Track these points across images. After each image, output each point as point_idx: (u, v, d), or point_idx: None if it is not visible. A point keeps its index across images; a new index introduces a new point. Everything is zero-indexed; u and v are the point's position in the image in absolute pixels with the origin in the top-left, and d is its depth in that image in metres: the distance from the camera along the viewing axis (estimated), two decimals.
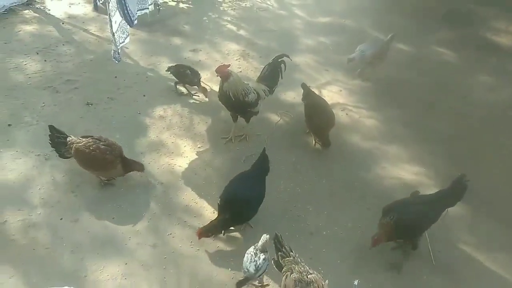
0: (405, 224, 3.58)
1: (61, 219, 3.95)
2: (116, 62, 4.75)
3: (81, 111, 5.22)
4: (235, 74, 4.65)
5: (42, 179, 4.32)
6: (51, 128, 4.25)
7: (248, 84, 4.78)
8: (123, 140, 4.81)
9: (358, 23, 7.55)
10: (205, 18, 7.61)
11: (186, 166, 4.61)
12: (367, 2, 8.27)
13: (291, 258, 3.19)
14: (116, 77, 5.83)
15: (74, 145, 4.11)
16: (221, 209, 3.75)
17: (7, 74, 5.68)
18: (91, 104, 5.34)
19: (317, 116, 4.80)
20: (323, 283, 3.06)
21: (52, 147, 4.24)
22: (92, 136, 4.21)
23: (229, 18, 7.67)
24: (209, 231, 3.70)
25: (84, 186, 4.28)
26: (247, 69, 6.24)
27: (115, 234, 3.86)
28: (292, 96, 5.72)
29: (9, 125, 4.92)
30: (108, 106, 5.35)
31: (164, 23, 7.20)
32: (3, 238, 3.76)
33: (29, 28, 6.68)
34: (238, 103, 4.65)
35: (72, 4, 7.55)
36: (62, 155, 4.23)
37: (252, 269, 3.25)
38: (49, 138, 4.25)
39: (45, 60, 5.99)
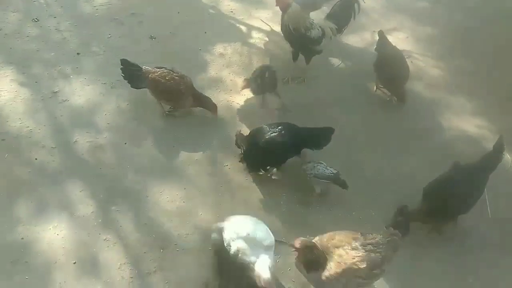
0: (437, 211, 3.40)
1: (125, 143, 4.17)
2: None
3: (145, 44, 5.34)
4: (295, 5, 4.46)
5: (108, 105, 4.54)
6: (124, 61, 4.30)
7: (312, 19, 4.60)
8: (185, 73, 4.91)
9: None
10: None
11: (243, 103, 4.66)
12: None
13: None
14: (179, 12, 5.85)
15: (150, 74, 4.22)
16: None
17: (76, 4, 5.85)
18: (155, 38, 5.44)
19: (395, 67, 4.51)
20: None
21: (125, 79, 4.33)
22: (165, 68, 4.32)
23: None
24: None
25: (147, 115, 4.46)
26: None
27: (175, 161, 4.05)
28: (355, 40, 5.53)
29: (78, 53, 5.13)
30: (170, 40, 5.43)
31: None
32: (74, 155, 4.05)
33: None
34: (299, 38, 4.49)
35: None
36: (135, 86, 4.35)
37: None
38: (121, 72, 4.31)
39: None
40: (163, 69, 4.29)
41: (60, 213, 3.61)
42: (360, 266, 2.69)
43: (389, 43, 4.79)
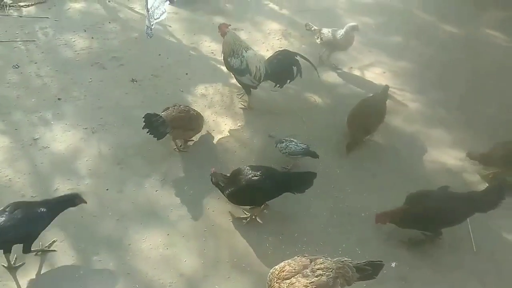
0: (414, 216, 3.56)
1: (107, 189, 4.13)
2: (149, 37, 4.84)
3: (126, 87, 5.38)
4: (233, 34, 4.78)
5: (89, 151, 4.52)
6: (147, 116, 4.16)
7: (245, 51, 4.74)
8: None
9: (403, 3, 7.30)
10: None
11: (226, 143, 4.68)
12: None
13: None
14: (160, 54, 5.94)
15: (169, 117, 4.28)
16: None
17: (57, 50, 5.91)
18: (136, 81, 5.48)
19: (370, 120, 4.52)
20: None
21: (151, 133, 4.22)
22: (168, 107, 4.46)
23: None
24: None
25: (129, 159, 4.44)
26: (288, 48, 6.17)
27: (157, 206, 4.00)
28: (334, 77, 5.66)
29: (59, 99, 5.13)
30: (152, 83, 5.48)
31: (207, 2, 7.22)
32: None
33: (77, 6, 6.88)
34: (225, 62, 4.84)
35: None
36: (161, 135, 4.25)
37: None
38: (146, 127, 4.18)
39: (92, 37, 6.17)
40: (169, 108, 4.44)
41: (41, 264, 3.51)
42: None
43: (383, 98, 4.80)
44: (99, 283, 3.41)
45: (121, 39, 6.25)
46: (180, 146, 4.58)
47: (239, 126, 4.90)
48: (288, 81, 4.88)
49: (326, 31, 5.60)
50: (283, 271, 2.88)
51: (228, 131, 4.81)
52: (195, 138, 4.68)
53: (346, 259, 2.99)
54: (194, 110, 4.57)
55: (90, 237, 3.72)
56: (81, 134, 4.71)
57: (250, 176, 3.69)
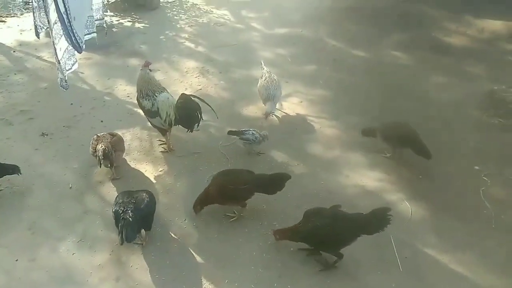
0: (305, 233, 3.67)
1: (17, 260, 3.77)
2: (64, 90, 4.61)
3: (36, 143, 5.06)
4: (148, 73, 4.69)
5: None
6: (103, 151, 4.34)
7: (158, 93, 4.68)
8: (81, 169, 4.70)
9: (315, 32, 7.64)
10: (162, 36, 7.56)
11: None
12: (323, 11, 8.40)
13: None
14: (72, 104, 5.69)
15: (111, 143, 4.44)
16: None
17: None
18: (47, 135, 5.18)
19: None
20: None
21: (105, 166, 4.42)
22: (97, 142, 4.51)
23: (186, 35, 7.65)
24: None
25: (41, 221, 4.11)
26: (207, 86, 6.20)
27: (75, 271, 3.70)
28: (254, 110, 5.71)
29: None
30: (64, 135, 5.21)
31: (120, 44, 7.11)
32: None
33: None
34: (137, 102, 4.80)
35: (23, 30, 7.36)
36: (111, 165, 4.49)
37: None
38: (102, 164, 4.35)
39: None
40: (97, 136, 4.57)
41: None
42: None
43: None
44: None
45: (29, 91, 5.93)
46: (112, 176, 4.60)
47: (160, 171, 4.75)
48: (196, 125, 4.79)
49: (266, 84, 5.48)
50: None
51: (149, 179, 4.63)
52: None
53: None
54: (112, 133, 4.71)
55: None
56: None
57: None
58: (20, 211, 4.21)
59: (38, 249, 3.87)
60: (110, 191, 4.43)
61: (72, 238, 3.96)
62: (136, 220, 3.63)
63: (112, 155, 4.39)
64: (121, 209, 3.67)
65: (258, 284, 3.64)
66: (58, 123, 5.36)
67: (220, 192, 4.03)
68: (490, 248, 3.95)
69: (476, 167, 4.83)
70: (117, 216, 3.68)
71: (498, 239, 4.03)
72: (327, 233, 3.60)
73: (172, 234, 4.03)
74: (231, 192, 4.01)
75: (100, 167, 4.40)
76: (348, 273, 3.74)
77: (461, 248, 3.98)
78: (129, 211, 3.63)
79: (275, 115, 5.50)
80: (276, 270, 3.76)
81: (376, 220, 3.61)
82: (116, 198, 3.90)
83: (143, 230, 3.87)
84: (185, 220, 4.18)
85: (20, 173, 4.34)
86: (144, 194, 3.87)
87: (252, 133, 4.85)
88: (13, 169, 4.34)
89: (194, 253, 3.87)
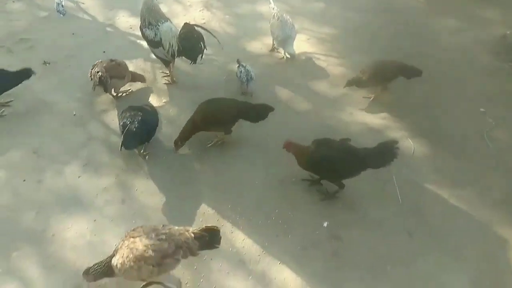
0: (313, 160, 3.71)
1: (24, 180, 3.83)
2: (61, 15, 4.49)
3: (38, 71, 4.95)
4: (152, 1, 4.54)
5: (1, 141, 4.15)
6: (98, 76, 4.38)
7: (161, 23, 4.57)
8: (84, 98, 4.68)
9: None
10: None
11: None
12: None
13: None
14: (73, 34, 5.56)
15: (105, 68, 4.41)
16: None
17: None
18: (49, 63, 5.11)
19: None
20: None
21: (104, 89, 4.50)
22: (96, 64, 4.55)
23: None
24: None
25: (46, 146, 4.14)
26: (211, 20, 6.03)
27: (81, 193, 3.78)
28: (259, 46, 5.60)
29: None
30: (66, 64, 5.13)
31: None
32: None
33: None
34: (140, 31, 4.70)
35: None
36: (107, 89, 4.50)
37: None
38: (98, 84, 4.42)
39: None
40: (100, 61, 4.58)
41: None
42: (149, 253, 2.76)
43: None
44: (22, 279, 3.18)
45: (28, 20, 5.78)
46: (117, 94, 4.71)
47: (164, 102, 4.72)
48: (200, 56, 4.72)
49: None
50: (134, 230, 2.92)
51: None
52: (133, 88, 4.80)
53: (189, 228, 2.98)
54: (120, 60, 4.67)
55: (8, 233, 3.45)
56: None
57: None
58: (25, 136, 4.23)
59: (44, 171, 3.92)
60: (114, 119, 4.42)
61: (77, 163, 4.01)
62: (140, 131, 3.80)
63: (106, 80, 4.36)
64: (129, 121, 3.82)
65: (260, 210, 3.72)
66: (59, 53, 5.26)
67: (206, 118, 4.05)
68: (490, 186, 4.00)
69: (482, 109, 4.80)
70: (124, 128, 3.78)
71: (498, 178, 4.07)
72: (335, 163, 3.62)
73: (175, 163, 4.07)
74: (216, 117, 4.06)
75: (94, 90, 4.45)
76: (348, 204, 3.82)
77: (461, 185, 4.03)
78: (136, 122, 3.82)
79: (286, 55, 5.38)
80: (278, 198, 3.83)
81: (383, 153, 3.63)
82: (122, 112, 4.00)
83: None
84: (189, 149, 4.20)
85: (35, 73, 4.46)
86: (149, 108, 4.12)
87: (243, 70, 4.74)
88: (27, 73, 4.41)
89: (197, 180, 3.93)
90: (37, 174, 3.90)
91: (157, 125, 4.13)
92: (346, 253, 3.48)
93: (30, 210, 3.61)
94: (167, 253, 2.80)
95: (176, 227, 2.96)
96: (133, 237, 2.87)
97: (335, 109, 4.77)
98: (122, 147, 3.79)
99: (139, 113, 3.94)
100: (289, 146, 3.84)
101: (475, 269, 3.40)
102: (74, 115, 4.47)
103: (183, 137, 4.09)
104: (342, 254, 3.47)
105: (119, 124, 3.97)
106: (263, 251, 3.47)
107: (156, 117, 4.17)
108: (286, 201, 3.82)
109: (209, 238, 2.95)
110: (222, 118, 4.11)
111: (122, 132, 3.84)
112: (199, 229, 2.97)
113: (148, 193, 3.80)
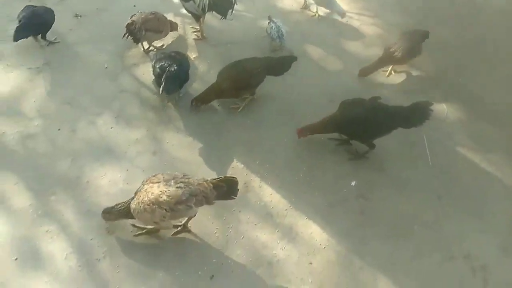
0: (343, 122, 3.64)
1: (59, 129, 3.94)
2: None
3: (69, 24, 5.02)
4: None
5: (36, 91, 4.25)
6: (127, 25, 4.46)
7: None
8: (116, 51, 4.71)
9: None
10: None
11: None
12: None
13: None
14: None
15: (141, 20, 4.45)
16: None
17: None
18: (80, 16, 5.12)
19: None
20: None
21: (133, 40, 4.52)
22: (134, 14, 4.60)
23: None
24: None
25: (79, 97, 4.22)
26: None
27: (113, 143, 3.87)
28: (290, 3, 5.48)
29: None
30: (98, 17, 5.14)
31: None
32: (3, 148, 3.77)
33: None
34: None
35: None
36: (138, 40, 4.53)
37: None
38: (127, 34, 4.48)
39: None
40: (141, 12, 4.59)
41: None
42: (163, 198, 2.89)
43: None
44: (59, 221, 3.33)
45: None
46: (148, 48, 4.74)
47: (193, 58, 4.71)
48: (230, 11, 4.65)
49: None
50: (155, 176, 3.06)
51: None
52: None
53: (207, 178, 3.08)
54: (161, 14, 4.66)
55: (45, 178, 3.58)
56: (25, 74, 4.41)
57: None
58: (59, 87, 4.31)
59: (78, 121, 4.01)
60: (145, 73, 4.45)
61: (109, 114, 4.08)
62: (178, 75, 3.94)
63: (139, 31, 4.39)
64: (167, 63, 3.96)
65: (288, 167, 3.75)
66: (91, 6, 5.26)
67: (235, 83, 4.00)
68: None
69: None
70: (162, 71, 3.93)
71: None
72: (366, 122, 3.58)
73: (205, 119, 4.10)
74: (245, 80, 4.02)
75: (124, 38, 4.53)
76: (377, 164, 3.81)
77: (493, 150, 3.96)
78: (175, 66, 3.95)
79: (319, 13, 5.25)
80: (306, 156, 3.84)
81: (416, 113, 3.56)
82: (155, 55, 4.18)
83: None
84: (218, 105, 4.22)
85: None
86: (183, 54, 4.29)
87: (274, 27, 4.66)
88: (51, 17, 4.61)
89: (226, 136, 3.97)
90: (71, 124, 3.99)
91: (189, 69, 4.24)
92: (373, 212, 3.50)
93: (65, 158, 3.73)
94: (181, 200, 2.91)
95: (196, 178, 3.07)
96: (152, 183, 3.01)
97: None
98: (163, 91, 3.91)
99: (176, 57, 4.08)
100: (302, 132, 3.80)
101: (503, 234, 3.38)
102: (106, 68, 4.52)
103: (203, 100, 4.07)
104: (369, 213, 3.49)
105: (155, 70, 4.07)
106: (290, 206, 3.52)
107: (188, 62, 4.28)
108: (314, 159, 3.82)
109: (227, 189, 3.04)
110: (251, 79, 4.07)
111: (159, 76, 3.95)
112: (218, 179, 3.06)
113: (178, 146, 3.87)
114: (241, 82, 4.04)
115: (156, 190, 2.94)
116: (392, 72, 4.61)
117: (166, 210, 2.92)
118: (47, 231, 3.29)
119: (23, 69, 4.45)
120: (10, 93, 4.22)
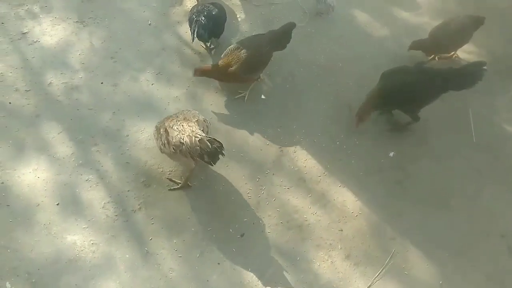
0: (390, 92, 3.47)
1: (102, 83, 4.03)
2: None
3: None
4: None
5: (81, 44, 4.33)
6: None
7: None
8: (160, 8, 4.69)
9: None
10: None
11: (222, 38, 4.46)
12: None
13: None
14: None
15: None
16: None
17: None
18: None
19: None
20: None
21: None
22: None
23: None
24: None
25: (122, 52, 4.27)
26: None
27: (154, 99, 3.94)
28: None
29: None
30: None
31: None
32: (50, 98, 3.91)
33: None
34: None
35: None
36: None
37: None
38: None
39: None
40: None
41: (39, 156, 3.55)
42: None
43: None
44: (98, 171, 3.47)
45: None
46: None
47: (238, 17, 4.64)
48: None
49: None
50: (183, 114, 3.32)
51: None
52: None
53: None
54: None
55: (87, 129, 3.71)
56: (71, 27, 4.49)
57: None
58: (101, 41, 4.36)
59: (120, 76, 4.09)
60: (188, 31, 4.43)
61: (151, 70, 4.13)
62: (207, 22, 3.99)
63: None
64: (194, 15, 4.03)
65: (325, 134, 3.72)
66: None
67: (249, 66, 3.76)
68: None
69: None
70: (190, 21, 4.04)
71: None
72: (415, 88, 3.42)
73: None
74: (260, 60, 3.84)
75: None
76: (417, 136, 3.72)
77: None
78: (202, 16, 4.01)
79: None
80: (344, 124, 3.78)
81: (469, 73, 3.38)
82: (192, 8, 4.22)
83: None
84: None
85: None
86: (217, 4, 4.27)
87: None
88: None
89: (263, 101, 3.96)
90: (113, 78, 4.07)
91: (224, 21, 4.24)
92: (410, 184, 3.44)
93: (107, 111, 3.83)
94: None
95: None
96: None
97: (414, 38, 4.46)
98: (195, 38, 3.98)
99: (206, 8, 4.12)
100: (361, 119, 3.58)
101: None
102: (149, 24, 4.53)
103: (205, 73, 3.89)
104: (405, 184, 3.44)
105: (191, 18, 4.09)
106: (324, 173, 3.50)
107: (224, 13, 4.27)
108: (352, 127, 3.76)
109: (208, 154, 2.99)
110: (262, 58, 3.86)
111: (193, 22, 4.02)
112: (211, 138, 3.03)
113: (217, 106, 3.89)
114: (258, 64, 3.87)
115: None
116: (436, 58, 4.29)
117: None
118: (87, 180, 3.44)
119: (70, 22, 4.53)
120: (57, 45, 4.33)
